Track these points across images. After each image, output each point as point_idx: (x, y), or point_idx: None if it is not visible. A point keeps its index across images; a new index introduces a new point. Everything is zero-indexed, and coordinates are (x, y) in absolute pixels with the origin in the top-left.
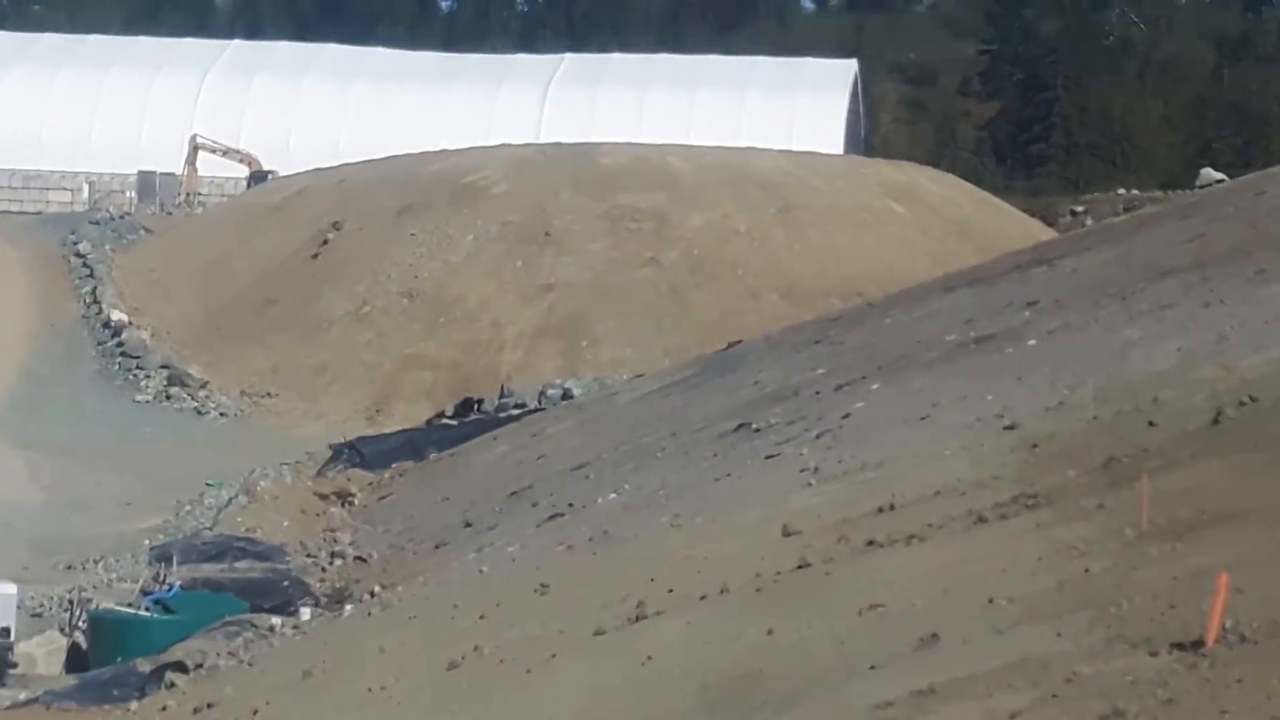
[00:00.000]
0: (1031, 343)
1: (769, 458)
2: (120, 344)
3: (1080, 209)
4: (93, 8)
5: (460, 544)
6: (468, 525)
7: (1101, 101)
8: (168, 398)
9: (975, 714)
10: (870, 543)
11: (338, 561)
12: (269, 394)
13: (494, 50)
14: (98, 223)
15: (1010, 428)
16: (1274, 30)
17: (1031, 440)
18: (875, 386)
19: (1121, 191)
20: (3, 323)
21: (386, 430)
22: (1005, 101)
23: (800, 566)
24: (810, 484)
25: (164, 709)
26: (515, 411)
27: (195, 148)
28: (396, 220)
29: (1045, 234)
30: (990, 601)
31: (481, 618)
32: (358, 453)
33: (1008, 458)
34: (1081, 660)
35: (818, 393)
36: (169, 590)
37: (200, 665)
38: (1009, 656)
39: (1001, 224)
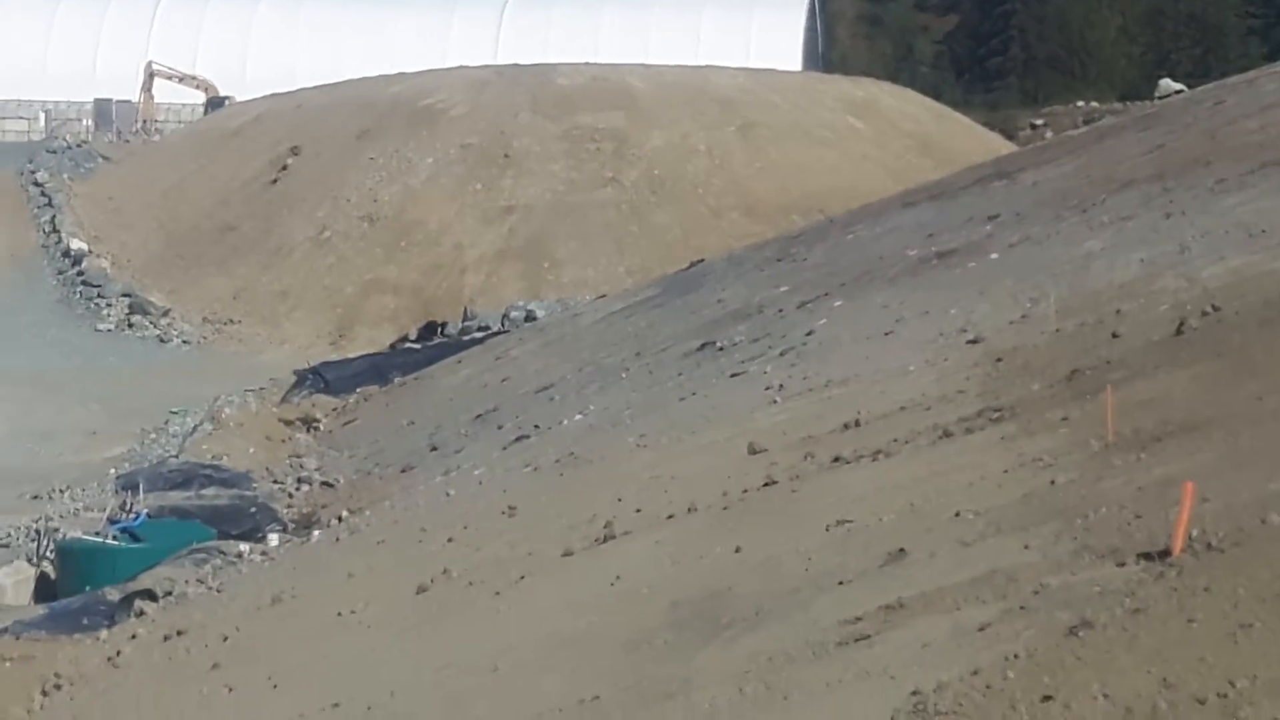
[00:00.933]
0: (993, 256)
1: (733, 376)
2: (80, 273)
3: (1039, 122)
4: None
5: (427, 467)
6: (434, 449)
7: (1059, 14)
8: (130, 326)
9: (943, 627)
10: (836, 459)
11: (304, 487)
12: (231, 320)
13: None
14: (55, 151)
15: (974, 341)
16: None
17: (995, 354)
18: (838, 303)
19: (1080, 104)
20: None
21: (350, 355)
22: (963, 15)
23: (767, 484)
24: (775, 401)
25: (134, 637)
26: (478, 334)
27: (151, 74)
28: (355, 144)
29: (1005, 147)
30: (957, 515)
31: (449, 541)
32: (321, 378)
33: (972, 372)
34: (1049, 572)
35: (781, 310)
36: (136, 518)
37: (169, 593)
38: (976, 569)
39: (961, 138)
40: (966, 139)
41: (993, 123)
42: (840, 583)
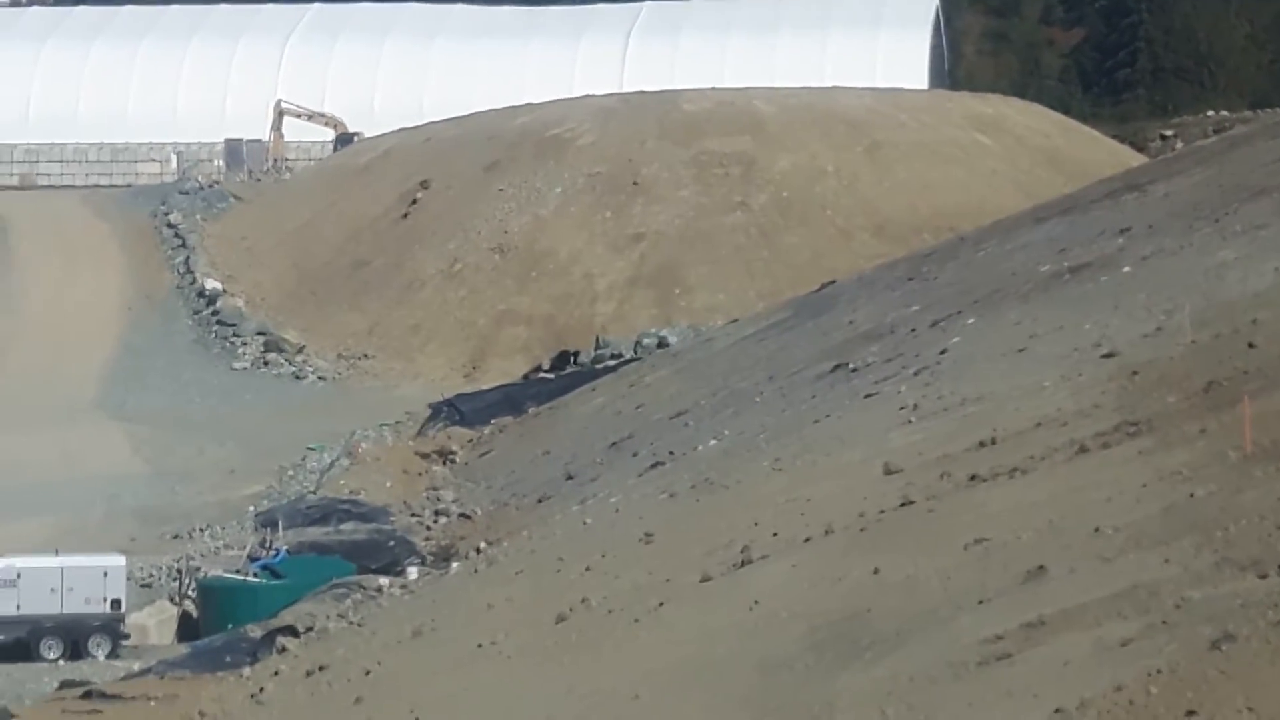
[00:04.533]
0: (1126, 269)
1: (867, 397)
2: (215, 312)
3: (1169, 133)
4: None
5: (563, 497)
6: (569, 478)
7: (1186, 23)
8: (265, 364)
9: (1085, 644)
10: (973, 477)
11: (442, 519)
12: (365, 356)
13: (573, 1)
14: (187, 192)
15: (1109, 356)
16: None
17: (1131, 367)
18: (971, 321)
19: (1210, 113)
20: (98, 297)
21: (484, 387)
22: (1089, 28)
23: (903, 504)
24: (910, 421)
25: (276, 673)
26: (611, 362)
27: (280, 113)
28: (484, 176)
29: (1135, 160)
30: (1096, 531)
31: (587, 569)
32: (456, 410)
33: (1107, 386)
34: (1190, 585)
35: (913, 330)
36: (276, 555)
37: (311, 628)
38: (1117, 585)
39: (1090, 151)
40: (1096, 152)
41: (1122, 135)
42: (980, 601)
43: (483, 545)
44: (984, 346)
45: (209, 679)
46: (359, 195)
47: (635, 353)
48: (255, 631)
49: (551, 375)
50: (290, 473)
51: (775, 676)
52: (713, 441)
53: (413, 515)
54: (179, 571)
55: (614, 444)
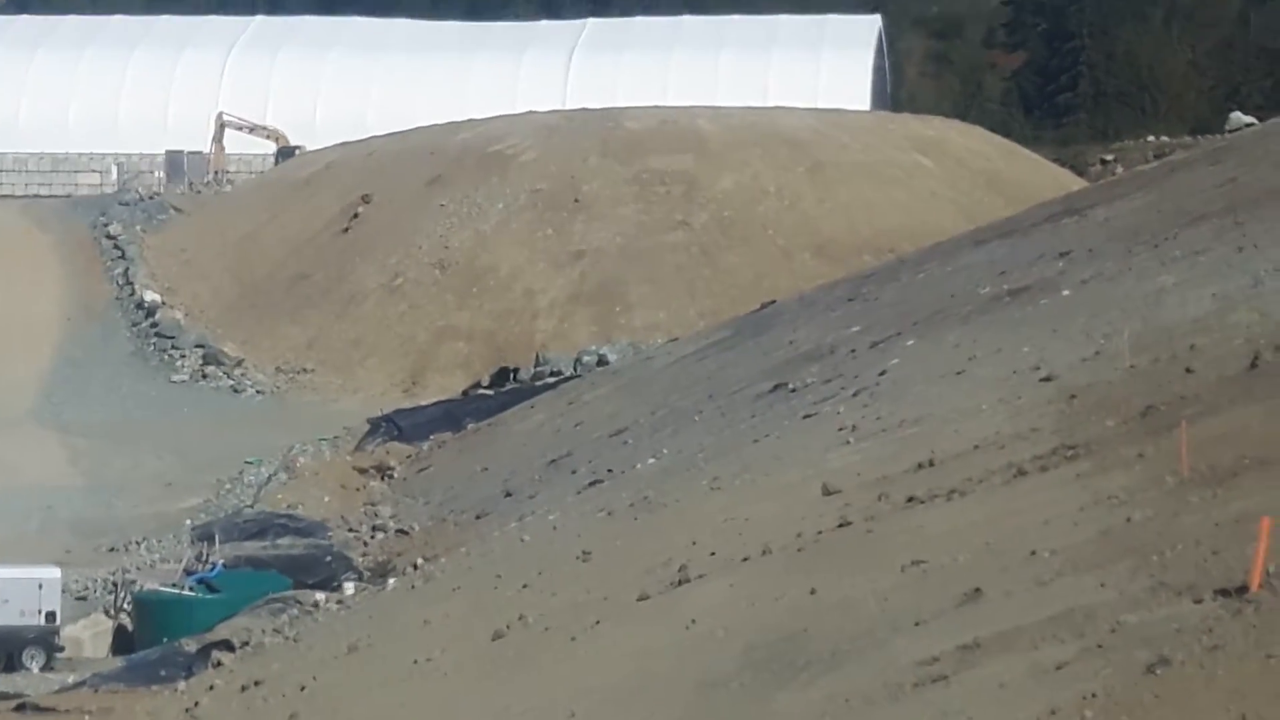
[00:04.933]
0: (1065, 293)
1: (806, 417)
2: (154, 324)
3: (1110, 157)
4: None
5: (501, 513)
6: (508, 494)
7: (1128, 49)
8: (204, 377)
9: (1021, 667)
10: (911, 499)
11: (379, 535)
12: (305, 370)
13: (517, 17)
14: (127, 204)
15: (1047, 379)
16: None
17: (1069, 391)
18: (911, 342)
19: (1151, 138)
20: (37, 307)
21: (423, 402)
22: (1031, 52)
23: (841, 525)
24: (849, 442)
25: (211, 688)
26: (551, 379)
27: (222, 125)
28: (426, 191)
29: (1076, 183)
30: (1033, 554)
31: (525, 586)
32: (395, 425)
33: (1046, 409)
34: (1126, 609)
35: (853, 351)
36: (212, 569)
37: (246, 643)
38: (1053, 608)
39: (1031, 175)
40: (1037, 175)
41: (1063, 159)
42: (916, 623)
43: (420, 561)
44: (923, 368)
45: (144, 693)
46: (300, 208)
47: (575, 370)
48: (190, 646)
49: (491, 391)
50: (228, 486)
51: (712, 695)
52: (651, 460)
53: (350, 530)
54: (114, 584)
55: (553, 461)
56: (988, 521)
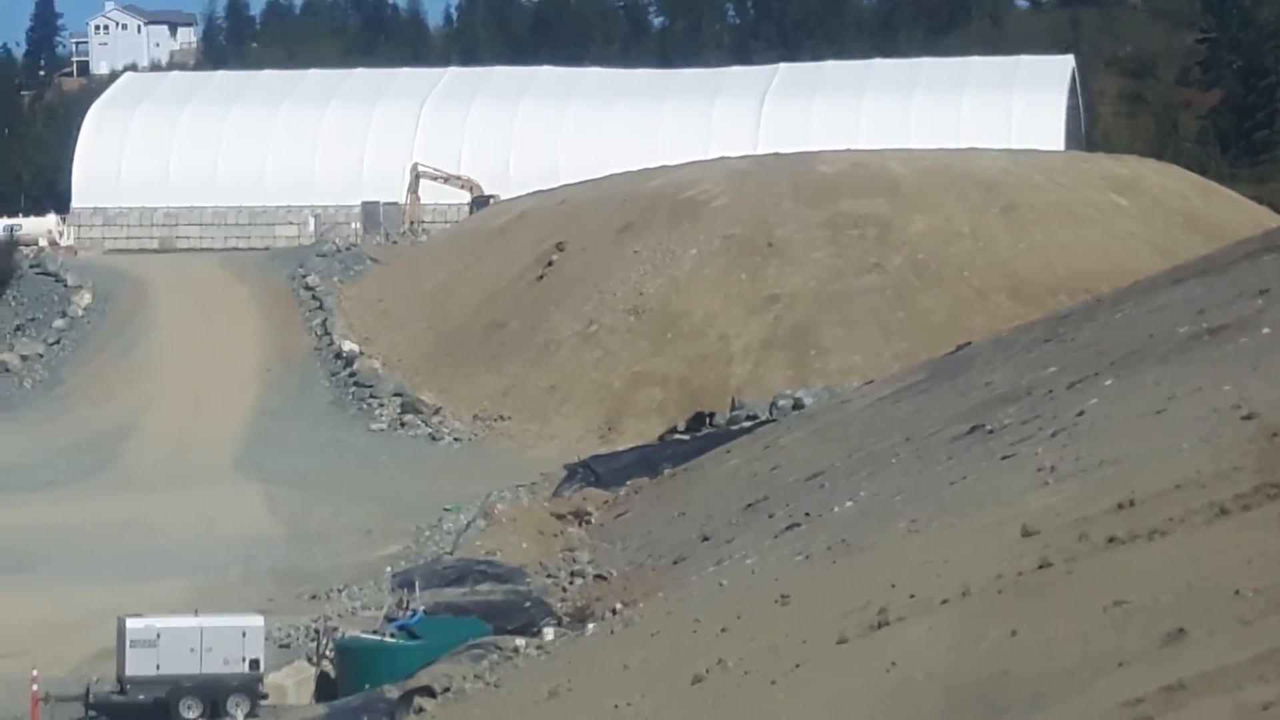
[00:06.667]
0: (1265, 331)
1: (1004, 458)
2: (353, 374)
3: None
4: (310, 42)
5: (699, 558)
6: (705, 539)
7: None
8: (402, 425)
9: (1226, 707)
10: (1111, 539)
11: (578, 580)
12: (501, 417)
13: (707, 64)
14: (324, 255)
15: (1248, 417)
16: None
17: (1271, 429)
18: (1109, 382)
19: None
20: (237, 359)
21: (619, 448)
22: (1226, 89)
23: (1041, 566)
24: (1047, 483)
25: None
26: (747, 424)
27: (417, 176)
28: (618, 238)
29: (1273, 220)
30: (1236, 593)
31: (723, 630)
32: (592, 471)
33: (1247, 448)
34: None
35: (1050, 391)
36: (413, 616)
37: (448, 689)
38: (1258, 648)
39: (1229, 212)
40: (1234, 213)
41: (1260, 196)
42: (1120, 664)
43: (619, 606)
44: (1122, 408)
45: None
46: (495, 257)
47: (770, 414)
48: (392, 692)
49: (687, 436)
50: (427, 533)
51: None
52: (849, 503)
53: (549, 576)
54: (317, 632)
55: (749, 505)
56: (1190, 561)
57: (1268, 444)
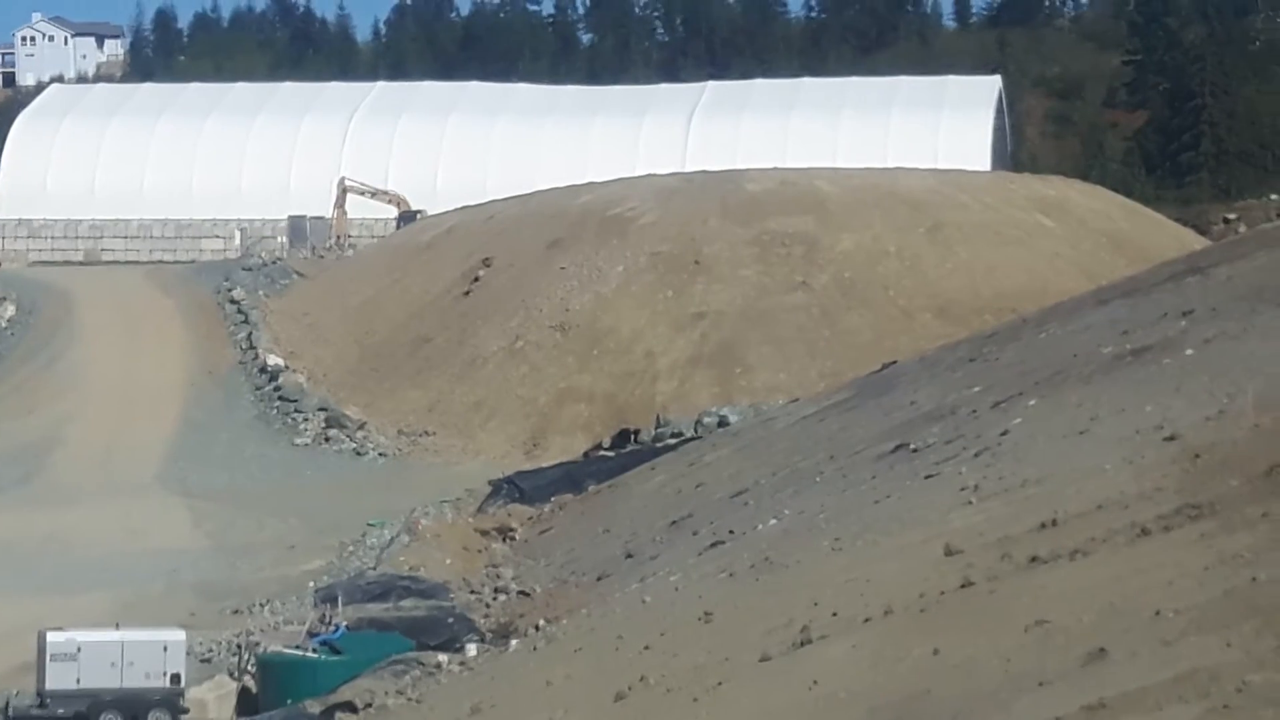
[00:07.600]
0: (1189, 352)
1: (928, 477)
2: (277, 388)
3: (1233, 216)
4: (238, 55)
5: (622, 575)
6: (629, 556)
7: (1249, 107)
8: (326, 440)
9: None
10: (1034, 559)
11: (501, 597)
12: (426, 432)
13: (636, 81)
14: (250, 269)
15: (1171, 439)
16: None
17: (1193, 450)
18: (1032, 402)
19: (1274, 196)
20: (161, 372)
21: (544, 464)
22: (1152, 111)
23: (964, 585)
24: (971, 502)
25: None
26: (672, 441)
27: (344, 190)
28: (546, 254)
29: (1198, 242)
30: (1157, 614)
31: (646, 648)
32: (517, 487)
33: (1169, 469)
34: (1252, 669)
35: (974, 411)
36: (335, 631)
37: (369, 704)
38: (1178, 668)
39: (1153, 234)
40: (1159, 235)
41: (1185, 218)
42: (1040, 684)
43: (542, 623)
44: (1045, 428)
45: None
46: (421, 272)
47: (696, 431)
48: (314, 707)
49: (612, 453)
50: (350, 549)
51: None
52: (773, 521)
53: (472, 592)
54: (239, 646)
55: (674, 522)
56: (1112, 581)
57: (1190, 465)
